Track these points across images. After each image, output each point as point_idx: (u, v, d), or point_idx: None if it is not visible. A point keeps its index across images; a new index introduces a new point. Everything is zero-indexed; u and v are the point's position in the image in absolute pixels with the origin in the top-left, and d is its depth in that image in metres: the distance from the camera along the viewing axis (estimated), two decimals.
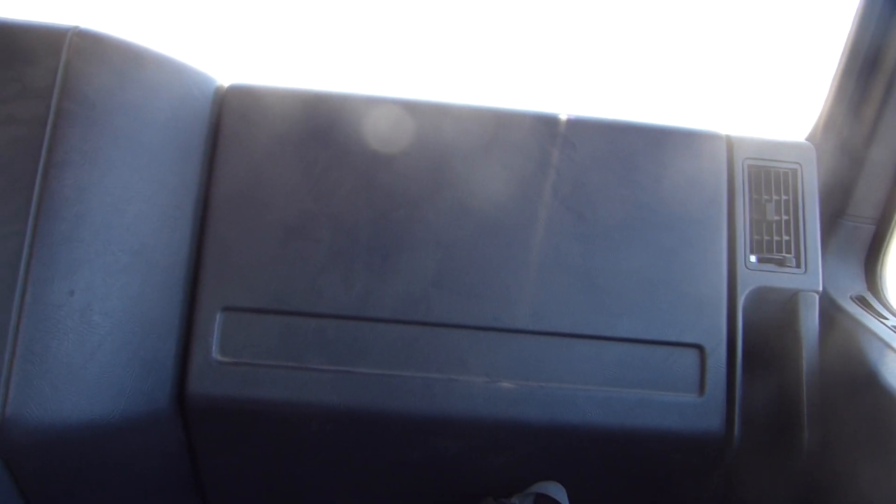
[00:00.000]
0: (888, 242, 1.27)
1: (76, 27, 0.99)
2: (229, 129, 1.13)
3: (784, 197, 1.21)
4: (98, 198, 0.97)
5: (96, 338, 0.96)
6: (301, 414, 1.10)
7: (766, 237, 1.20)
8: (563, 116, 1.18)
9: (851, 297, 1.25)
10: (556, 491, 1.17)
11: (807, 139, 1.30)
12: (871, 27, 1.18)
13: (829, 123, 1.26)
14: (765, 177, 1.22)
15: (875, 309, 1.22)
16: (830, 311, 1.21)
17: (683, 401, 1.14)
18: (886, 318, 1.19)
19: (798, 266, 1.20)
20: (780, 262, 1.20)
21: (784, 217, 1.21)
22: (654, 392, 1.14)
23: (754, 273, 1.19)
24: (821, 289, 1.19)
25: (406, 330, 1.11)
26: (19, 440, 0.91)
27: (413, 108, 1.16)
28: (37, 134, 0.94)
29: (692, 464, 1.19)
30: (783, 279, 1.19)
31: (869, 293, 1.28)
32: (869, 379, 1.06)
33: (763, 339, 1.20)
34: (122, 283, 0.99)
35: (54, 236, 0.93)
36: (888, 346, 1.10)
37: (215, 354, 1.09)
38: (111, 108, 0.99)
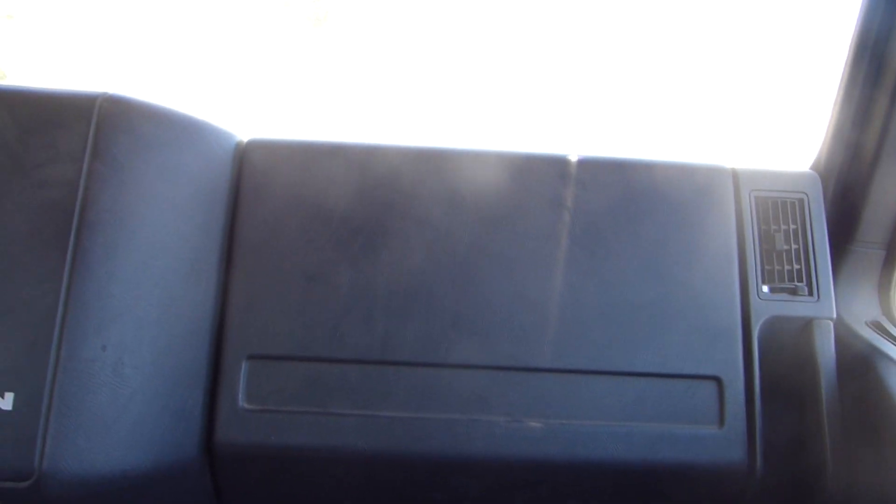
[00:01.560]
0: None
1: (105, 93, 1.04)
2: (249, 182, 1.17)
3: (793, 226, 1.24)
4: (127, 255, 1.01)
5: (128, 390, 0.99)
6: (327, 459, 1.12)
7: (776, 267, 1.22)
8: (573, 157, 1.21)
9: (867, 323, 1.26)
10: None
11: (811, 168, 1.32)
12: (868, 55, 1.21)
13: (832, 151, 1.29)
14: (772, 207, 1.24)
15: (890, 333, 1.23)
16: (846, 337, 1.22)
17: (704, 433, 1.14)
18: None
19: (810, 294, 1.21)
20: (793, 291, 1.21)
21: (794, 246, 1.23)
22: (675, 425, 1.14)
23: (767, 303, 1.20)
24: (835, 316, 1.21)
25: (427, 372, 1.13)
26: (56, 494, 0.93)
27: (426, 155, 1.21)
28: (70, 196, 0.98)
29: (715, 497, 1.19)
30: (796, 308, 1.20)
31: (884, 317, 1.29)
32: (888, 406, 1.06)
33: (780, 369, 1.20)
34: (152, 335, 1.02)
35: (87, 293, 0.97)
36: None
37: (241, 402, 1.11)
38: (139, 168, 1.03)
